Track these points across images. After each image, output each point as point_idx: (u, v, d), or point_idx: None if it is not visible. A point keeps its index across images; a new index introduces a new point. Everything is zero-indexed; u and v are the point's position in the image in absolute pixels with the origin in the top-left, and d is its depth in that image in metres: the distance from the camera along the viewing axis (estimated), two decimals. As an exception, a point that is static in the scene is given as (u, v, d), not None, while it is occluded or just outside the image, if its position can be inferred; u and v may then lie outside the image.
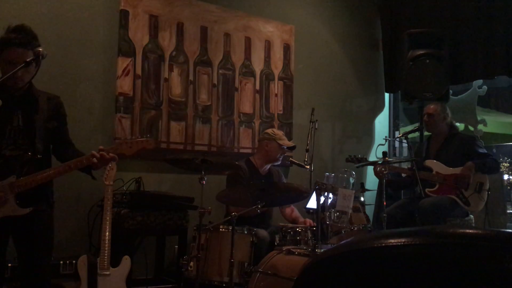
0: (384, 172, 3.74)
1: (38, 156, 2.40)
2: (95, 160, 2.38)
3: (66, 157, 2.51)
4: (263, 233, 3.47)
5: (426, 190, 4.08)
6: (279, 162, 4.02)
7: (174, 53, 4.29)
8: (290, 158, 4.00)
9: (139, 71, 4.09)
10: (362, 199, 3.87)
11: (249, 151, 4.61)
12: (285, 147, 3.94)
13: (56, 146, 2.58)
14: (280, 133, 4.03)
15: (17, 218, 2.34)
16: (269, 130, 4.09)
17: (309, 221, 3.84)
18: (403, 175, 4.30)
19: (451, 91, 5.10)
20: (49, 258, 2.58)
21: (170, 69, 4.26)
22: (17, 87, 2.41)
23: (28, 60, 2.27)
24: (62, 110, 2.61)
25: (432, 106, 4.34)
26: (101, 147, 2.44)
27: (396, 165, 4.36)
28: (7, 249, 2.47)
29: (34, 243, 2.43)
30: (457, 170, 4.06)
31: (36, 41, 2.42)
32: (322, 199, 3.15)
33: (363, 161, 4.20)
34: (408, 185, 4.45)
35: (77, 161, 2.42)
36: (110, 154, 2.43)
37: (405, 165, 4.66)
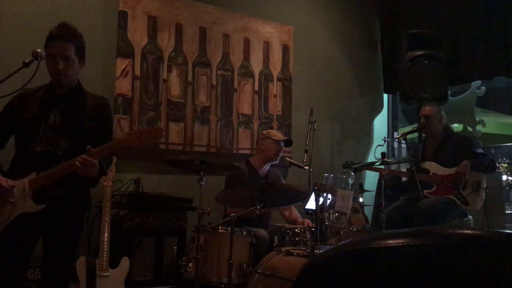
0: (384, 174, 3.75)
1: (59, 152, 2.37)
2: (77, 164, 2.28)
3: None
4: (262, 232, 3.47)
5: (424, 191, 4.09)
6: (277, 161, 4.02)
7: (173, 54, 4.29)
8: (289, 159, 4.00)
9: (138, 72, 4.09)
10: (361, 200, 3.87)
11: (248, 152, 4.61)
12: (281, 142, 3.95)
13: (94, 147, 2.43)
14: (274, 131, 4.11)
15: (44, 218, 2.33)
16: (264, 131, 4.18)
17: (307, 221, 3.84)
18: (403, 179, 4.31)
19: (449, 92, 5.11)
20: (73, 257, 2.58)
21: (169, 70, 4.26)
22: (61, 83, 2.42)
23: (26, 61, 2.26)
24: (107, 112, 2.57)
25: (428, 108, 4.36)
26: (88, 146, 2.32)
27: (395, 165, 4.36)
28: (33, 251, 2.45)
29: (60, 243, 2.42)
30: (454, 170, 4.07)
31: (78, 36, 2.46)
32: (321, 200, 3.15)
33: (359, 166, 4.20)
34: (408, 188, 4.44)
35: (66, 165, 2.32)
36: (86, 158, 2.29)
37: (403, 166, 4.66)
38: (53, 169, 2.33)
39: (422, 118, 4.34)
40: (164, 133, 2.77)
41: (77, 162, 2.28)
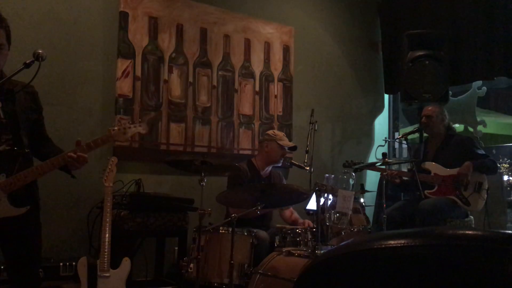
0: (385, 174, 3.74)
1: (25, 150, 2.26)
2: (69, 159, 2.25)
3: (47, 153, 2.36)
4: (263, 234, 3.47)
5: (426, 191, 4.08)
6: (280, 164, 4.01)
7: (173, 54, 4.29)
8: (290, 160, 3.99)
9: (138, 72, 4.09)
10: (362, 200, 3.87)
11: (249, 152, 4.61)
12: (286, 147, 3.93)
13: (35, 141, 2.39)
14: (280, 134, 4.01)
15: (5, 220, 2.19)
16: (270, 131, 4.07)
17: (307, 221, 3.83)
18: (405, 178, 4.30)
19: (450, 92, 5.11)
20: (39, 259, 2.46)
21: (170, 71, 4.27)
22: None
23: (28, 62, 2.25)
24: (39, 101, 2.44)
25: (430, 108, 4.35)
26: (78, 140, 2.29)
27: (396, 166, 4.36)
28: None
29: (24, 247, 2.30)
30: (455, 171, 4.06)
31: (5, 20, 2.27)
32: (322, 200, 3.15)
33: (359, 165, 4.20)
34: (410, 187, 4.42)
35: (57, 159, 2.28)
36: (80, 154, 2.28)
37: (404, 167, 4.65)
38: (32, 168, 2.25)
39: (424, 118, 4.33)
40: (147, 130, 2.74)
41: (69, 159, 2.24)
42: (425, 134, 4.63)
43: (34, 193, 2.36)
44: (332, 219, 3.35)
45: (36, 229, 2.38)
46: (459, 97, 5.88)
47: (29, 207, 2.26)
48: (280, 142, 3.90)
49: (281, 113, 4.94)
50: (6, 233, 2.29)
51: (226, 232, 3.13)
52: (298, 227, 3.51)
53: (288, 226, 3.47)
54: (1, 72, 2.32)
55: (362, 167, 4.24)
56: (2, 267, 2.93)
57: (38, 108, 2.43)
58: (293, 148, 3.99)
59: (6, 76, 2.29)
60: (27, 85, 2.34)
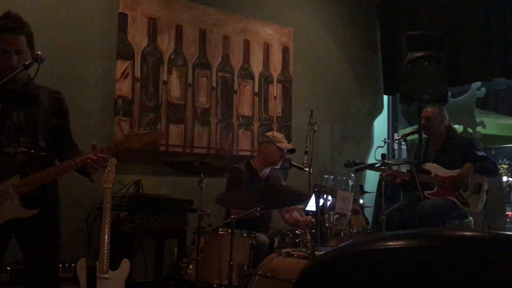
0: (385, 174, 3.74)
1: (42, 153, 2.30)
2: (89, 161, 2.27)
3: (69, 157, 2.38)
4: (262, 237, 3.47)
5: (425, 192, 4.09)
6: (278, 166, 4.01)
7: (173, 56, 4.29)
8: (290, 161, 3.99)
9: (138, 74, 4.09)
10: (361, 201, 3.87)
11: (248, 153, 4.62)
12: (284, 150, 3.93)
13: (58, 145, 2.43)
14: (279, 136, 4.00)
15: (22, 220, 2.25)
16: (269, 133, 4.07)
17: (309, 217, 3.81)
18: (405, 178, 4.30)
19: (449, 93, 5.11)
20: (57, 260, 2.51)
21: (169, 72, 4.27)
22: (15, 78, 2.26)
23: (27, 63, 2.25)
24: (65, 107, 2.47)
25: (429, 110, 4.35)
26: (94, 144, 2.31)
27: (396, 167, 4.36)
28: (6, 253, 2.39)
29: (42, 246, 2.34)
30: (456, 172, 4.07)
31: (27, 26, 2.30)
32: (321, 201, 3.15)
33: (361, 165, 4.20)
34: (410, 187, 4.42)
35: (75, 161, 2.30)
36: (101, 155, 2.30)
37: (404, 168, 4.66)
38: (49, 170, 2.27)
39: (423, 120, 4.33)
40: (163, 136, 2.73)
41: (89, 160, 2.26)
42: (425, 135, 4.64)
43: (49, 195, 2.38)
44: (332, 220, 3.35)
45: (52, 230, 2.41)
46: (458, 98, 5.90)
47: (39, 210, 2.27)
48: (279, 145, 3.90)
49: (280, 114, 4.95)
50: (23, 234, 2.34)
51: (226, 233, 3.12)
52: (298, 228, 3.51)
53: (287, 228, 3.46)
54: (29, 77, 2.37)
55: (363, 167, 4.24)
56: (8, 268, 2.97)
57: (61, 113, 2.45)
58: (291, 151, 3.99)
59: (33, 81, 2.36)
60: (53, 91, 2.43)
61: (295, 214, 4.11)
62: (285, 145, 3.94)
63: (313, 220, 3.60)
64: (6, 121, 2.26)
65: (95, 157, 2.30)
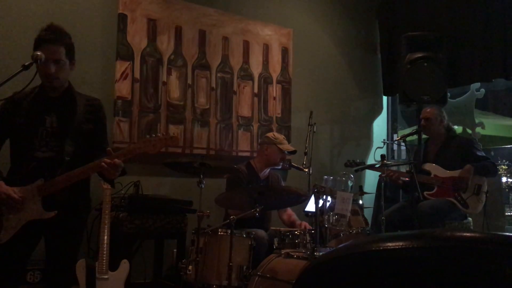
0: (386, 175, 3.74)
1: (66, 158, 2.36)
2: (104, 165, 2.30)
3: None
4: (261, 233, 3.47)
5: (425, 193, 4.09)
6: (279, 167, 4.01)
7: (172, 56, 4.29)
8: (289, 162, 3.99)
9: (137, 74, 4.09)
10: (360, 202, 3.87)
11: (248, 154, 4.62)
12: (285, 151, 3.93)
13: (89, 151, 2.47)
14: (280, 137, 4.01)
15: (47, 221, 2.32)
16: (270, 134, 4.07)
17: (304, 223, 3.83)
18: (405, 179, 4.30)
19: (449, 94, 5.11)
20: (74, 262, 2.61)
21: (169, 73, 4.27)
22: (53, 86, 2.39)
23: (26, 64, 2.25)
24: (101, 114, 2.56)
25: (428, 110, 4.35)
26: (109, 149, 2.36)
27: (395, 168, 4.36)
28: (32, 252, 2.46)
29: (62, 247, 2.42)
30: (456, 173, 4.07)
31: (67, 38, 2.40)
32: (321, 202, 3.15)
33: (361, 165, 4.20)
34: (409, 188, 4.42)
35: (90, 166, 2.35)
36: (115, 160, 2.34)
37: (403, 168, 4.66)
38: (68, 174, 2.33)
39: (423, 120, 4.33)
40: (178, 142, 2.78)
41: (103, 164, 2.30)
42: (425, 136, 4.64)
43: (74, 198, 2.43)
44: (331, 221, 3.35)
45: (73, 233, 2.47)
46: (457, 99, 5.90)
47: (59, 212, 2.33)
48: (280, 146, 3.90)
49: (279, 115, 4.95)
50: (48, 235, 2.43)
51: (225, 234, 3.12)
52: (295, 229, 3.51)
53: (281, 229, 3.46)
54: (69, 84, 2.47)
55: (364, 167, 4.24)
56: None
57: (96, 119, 2.51)
58: (293, 152, 3.99)
59: (73, 89, 2.48)
60: (91, 98, 2.55)
61: (294, 217, 4.10)
62: (287, 146, 3.95)
63: (308, 226, 3.61)
64: (40, 127, 2.37)
65: (109, 161, 2.33)
